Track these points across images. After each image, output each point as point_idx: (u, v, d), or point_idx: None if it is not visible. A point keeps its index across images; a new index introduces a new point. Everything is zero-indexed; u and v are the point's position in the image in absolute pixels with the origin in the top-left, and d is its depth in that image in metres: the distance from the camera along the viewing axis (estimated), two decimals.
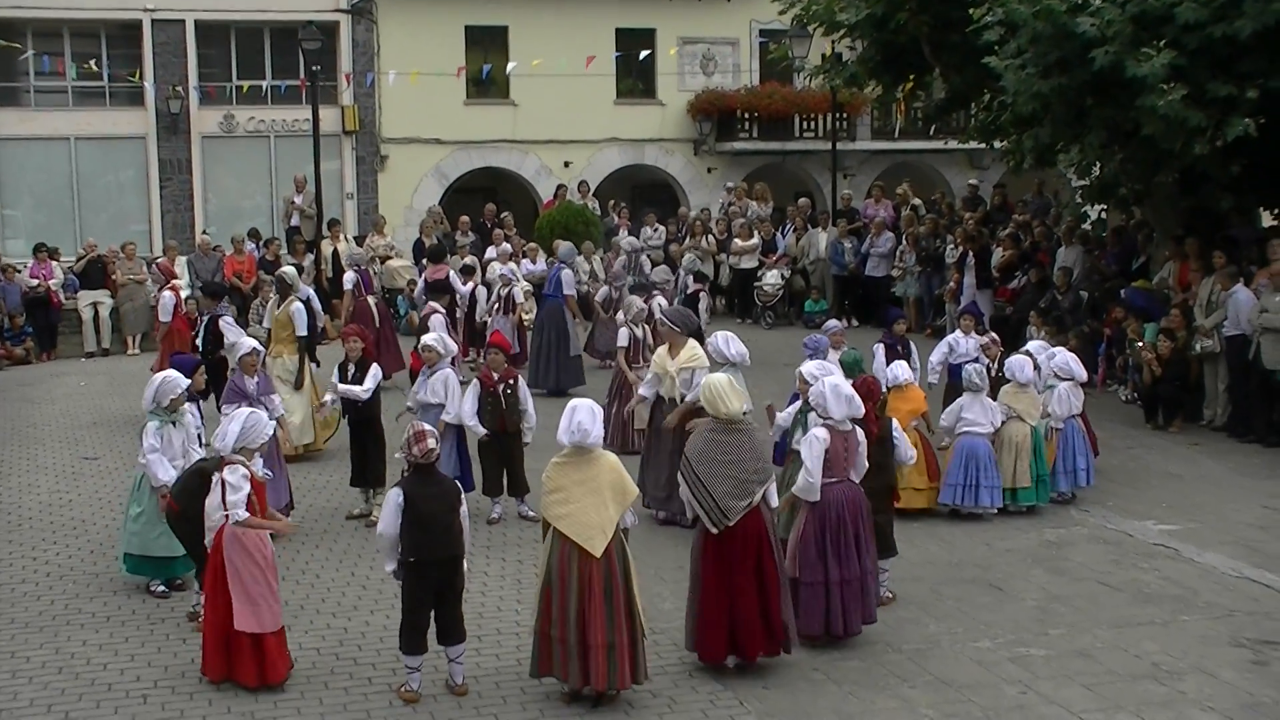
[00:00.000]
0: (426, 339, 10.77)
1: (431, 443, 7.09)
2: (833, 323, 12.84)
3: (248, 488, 7.23)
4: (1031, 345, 12.23)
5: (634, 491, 7.11)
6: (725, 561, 7.29)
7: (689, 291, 16.16)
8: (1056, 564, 9.58)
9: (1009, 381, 11.01)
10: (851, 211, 22.84)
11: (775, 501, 7.57)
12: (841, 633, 7.80)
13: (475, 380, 10.58)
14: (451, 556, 7.07)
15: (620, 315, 14.27)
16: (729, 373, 9.26)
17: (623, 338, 13.07)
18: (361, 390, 10.40)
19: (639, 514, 10.12)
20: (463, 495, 7.24)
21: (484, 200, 24.06)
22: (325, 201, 22.50)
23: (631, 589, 7.02)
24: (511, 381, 10.44)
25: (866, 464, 7.99)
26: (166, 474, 8.50)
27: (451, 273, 16.80)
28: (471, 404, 10.35)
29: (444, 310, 14.35)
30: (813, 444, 7.72)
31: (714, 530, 7.26)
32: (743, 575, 7.28)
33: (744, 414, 7.51)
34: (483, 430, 10.33)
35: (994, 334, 12.72)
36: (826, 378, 8.11)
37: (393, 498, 7.03)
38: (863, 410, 7.97)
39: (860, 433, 7.95)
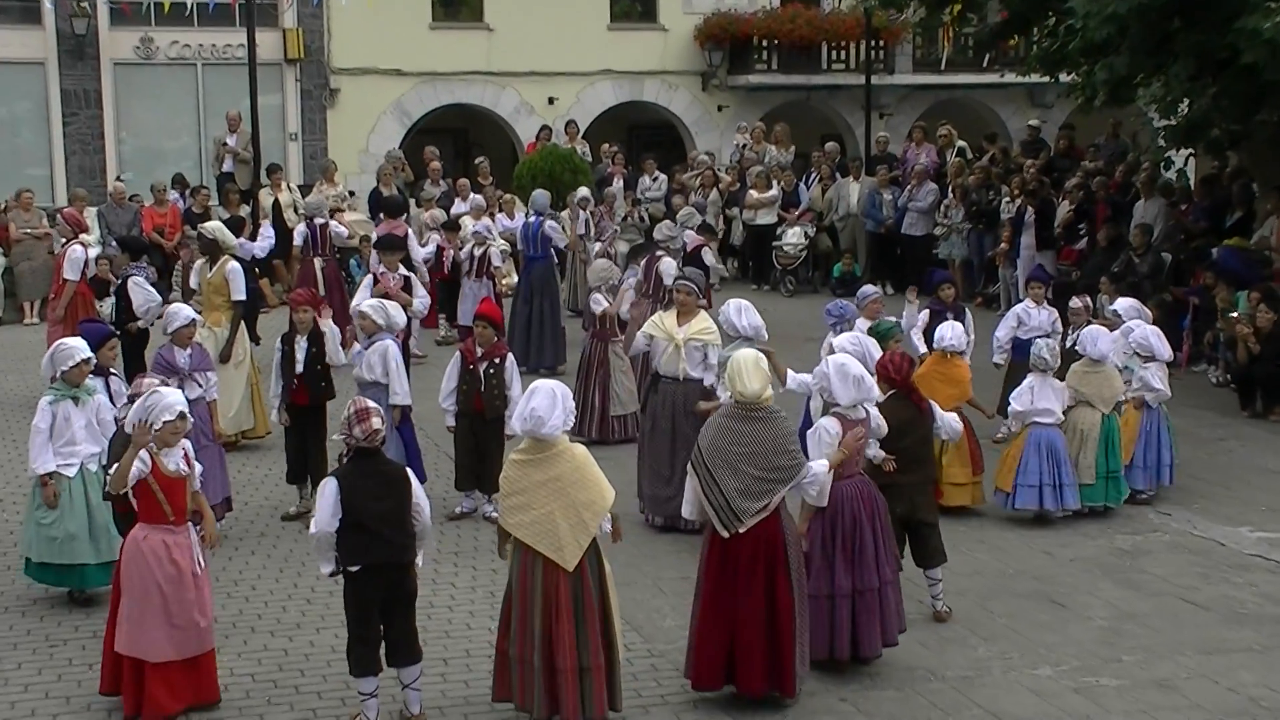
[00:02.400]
0: (362, 305, 10.76)
1: (376, 422, 7.05)
2: (868, 289, 12.71)
3: (135, 469, 7.19)
4: (1121, 304, 12.06)
5: (609, 492, 7.03)
6: (729, 573, 7.23)
7: (690, 248, 16.02)
8: (1131, 576, 9.56)
9: (1080, 358, 10.94)
10: (888, 158, 22.78)
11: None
12: (847, 657, 7.72)
13: (456, 354, 10.58)
14: (400, 562, 7.05)
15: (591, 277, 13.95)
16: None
17: (596, 305, 12.86)
18: (341, 360, 10.69)
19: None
20: (414, 482, 7.21)
21: (453, 144, 23.94)
22: (264, 143, 22.40)
23: (608, 604, 7.01)
24: (498, 359, 10.39)
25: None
26: (45, 461, 8.52)
27: (409, 231, 16.65)
28: (449, 383, 10.37)
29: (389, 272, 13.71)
30: (822, 437, 7.64)
31: (725, 534, 7.22)
32: (748, 592, 7.19)
33: (768, 398, 7.39)
34: (451, 420, 10.36)
35: (1087, 298, 12.53)
36: (830, 356, 8.08)
37: (329, 490, 6.96)
38: (876, 392, 7.93)
39: (875, 415, 7.92)
